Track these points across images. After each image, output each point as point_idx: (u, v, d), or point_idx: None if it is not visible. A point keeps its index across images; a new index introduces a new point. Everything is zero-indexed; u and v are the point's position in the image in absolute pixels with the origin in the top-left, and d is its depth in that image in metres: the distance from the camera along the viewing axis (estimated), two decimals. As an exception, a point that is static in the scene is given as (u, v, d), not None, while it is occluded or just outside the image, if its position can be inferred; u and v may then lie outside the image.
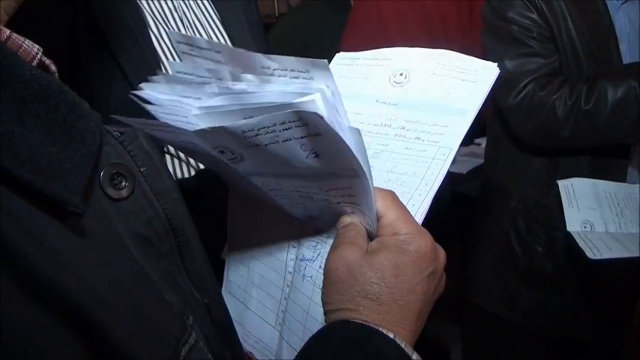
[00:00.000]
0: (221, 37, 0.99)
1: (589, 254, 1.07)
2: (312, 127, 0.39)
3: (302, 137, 0.40)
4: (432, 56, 0.59)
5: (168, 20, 0.92)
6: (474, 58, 0.57)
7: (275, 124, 0.39)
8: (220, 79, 0.46)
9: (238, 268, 0.67)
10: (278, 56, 0.43)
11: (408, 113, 0.57)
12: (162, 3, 0.93)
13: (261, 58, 0.43)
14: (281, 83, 0.42)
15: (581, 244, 1.10)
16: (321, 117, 0.37)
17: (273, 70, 0.43)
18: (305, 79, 0.42)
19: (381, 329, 0.43)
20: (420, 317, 0.46)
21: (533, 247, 1.34)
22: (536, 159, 1.31)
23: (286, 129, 0.40)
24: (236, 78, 0.45)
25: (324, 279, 0.47)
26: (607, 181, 1.23)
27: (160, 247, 0.41)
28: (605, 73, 1.19)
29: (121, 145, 0.41)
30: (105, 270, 0.33)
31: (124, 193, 0.39)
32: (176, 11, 0.94)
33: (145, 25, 0.89)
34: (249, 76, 0.44)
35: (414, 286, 0.45)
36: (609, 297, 1.35)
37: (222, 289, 0.69)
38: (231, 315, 0.65)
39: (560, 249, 1.31)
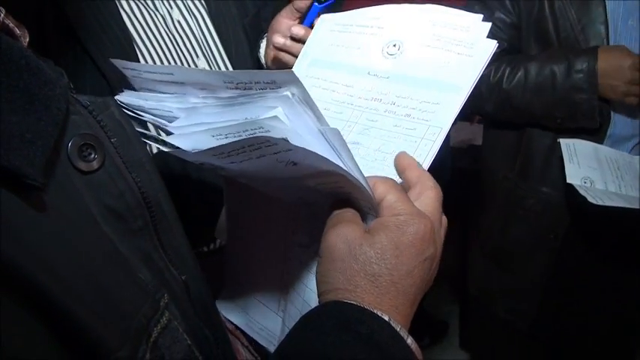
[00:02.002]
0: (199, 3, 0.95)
1: (591, 200, 1.05)
2: (282, 146, 0.38)
3: (275, 153, 0.39)
4: (427, 21, 0.56)
5: None
6: (467, 13, 0.54)
7: (244, 147, 0.39)
8: (184, 96, 0.46)
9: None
10: (239, 71, 0.42)
11: (400, 88, 0.54)
12: None
13: (221, 75, 0.43)
14: (247, 97, 0.41)
15: (582, 192, 1.08)
16: (287, 140, 0.36)
17: (237, 84, 0.42)
18: (272, 89, 0.40)
19: (376, 311, 0.42)
20: (414, 303, 0.45)
21: (492, 225, 1.37)
22: (503, 132, 1.34)
23: (257, 149, 0.39)
24: (203, 93, 0.45)
25: (322, 257, 0.46)
26: (608, 148, 1.21)
27: (133, 222, 0.40)
28: (531, 56, 1.20)
29: (91, 114, 0.38)
30: (67, 247, 0.32)
31: (94, 165, 0.37)
32: None
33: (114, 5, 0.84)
34: (215, 93, 0.44)
35: (412, 269, 0.44)
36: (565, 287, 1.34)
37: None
38: (235, 302, 0.65)
39: (515, 227, 1.32)
